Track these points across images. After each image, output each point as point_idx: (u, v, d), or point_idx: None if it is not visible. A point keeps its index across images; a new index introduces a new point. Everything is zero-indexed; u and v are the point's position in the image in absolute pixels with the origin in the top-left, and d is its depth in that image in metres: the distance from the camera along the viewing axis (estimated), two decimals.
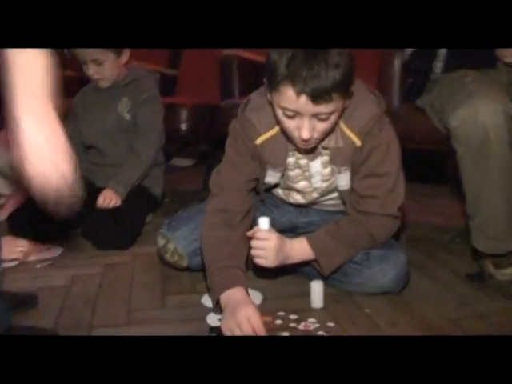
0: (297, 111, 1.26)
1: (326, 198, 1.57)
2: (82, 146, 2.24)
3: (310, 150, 1.43)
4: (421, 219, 2.20)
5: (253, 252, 1.38)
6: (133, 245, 1.95)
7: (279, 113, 1.31)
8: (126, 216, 1.95)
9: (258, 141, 1.44)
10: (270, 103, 1.36)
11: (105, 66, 2.05)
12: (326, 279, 1.47)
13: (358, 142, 1.39)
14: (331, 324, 1.33)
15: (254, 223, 1.45)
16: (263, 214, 1.43)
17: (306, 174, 1.50)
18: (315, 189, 1.53)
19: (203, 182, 2.77)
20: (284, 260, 1.41)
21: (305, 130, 1.28)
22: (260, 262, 1.38)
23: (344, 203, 1.54)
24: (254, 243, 1.37)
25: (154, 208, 2.25)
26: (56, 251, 1.89)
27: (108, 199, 1.98)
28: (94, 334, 1.30)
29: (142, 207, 2.09)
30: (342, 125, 1.39)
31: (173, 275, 1.65)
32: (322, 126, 1.30)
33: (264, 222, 1.37)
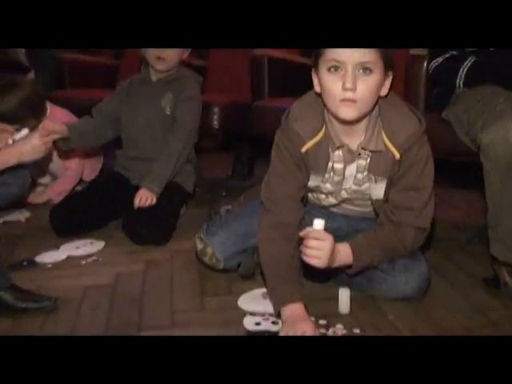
0: (342, 61, 1.35)
1: (356, 203, 1.66)
2: (115, 138, 2.37)
3: (350, 132, 1.50)
4: (439, 215, 2.28)
5: (307, 252, 1.42)
6: (169, 240, 2.09)
7: (324, 73, 1.40)
8: (161, 213, 2.08)
9: (304, 149, 1.53)
10: (316, 90, 1.48)
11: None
12: (351, 285, 1.59)
13: (397, 156, 1.49)
14: (357, 330, 1.45)
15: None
16: None
17: (340, 178, 1.58)
18: (344, 189, 1.62)
19: (231, 171, 2.88)
20: (330, 263, 1.46)
21: (348, 78, 1.35)
22: (313, 261, 1.42)
23: (375, 211, 1.65)
24: (310, 243, 1.41)
25: (187, 202, 2.37)
26: (98, 245, 2.03)
27: (144, 199, 2.10)
28: (144, 335, 1.44)
29: (175, 204, 2.22)
30: (384, 137, 1.49)
31: (210, 275, 1.79)
32: (364, 82, 1.37)
33: (319, 224, 1.41)
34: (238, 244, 1.70)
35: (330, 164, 1.56)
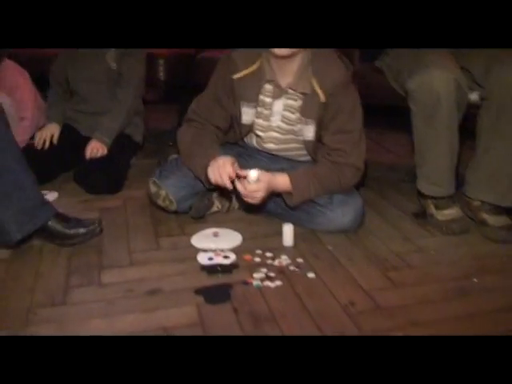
0: None
1: (291, 145, 1.81)
2: (64, 91, 2.40)
3: (282, 69, 1.69)
4: (373, 157, 2.45)
5: (245, 199, 1.69)
6: (121, 189, 2.18)
7: None
8: (113, 164, 2.17)
9: (236, 75, 1.73)
10: None
11: None
12: (294, 220, 1.75)
13: (323, 99, 1.66)
14: (300, 260, 1.61)
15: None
16: (241, 165, 1.71)
17: (268, 112, 1.76)
18: (274, 128, 1.78)
19: (177, 122, 2.94)
20: (270, 192, 1.71)
21: None
22: (251, 201, 1.70)
23: (308, 153, 1.80)
24: (246, 196, 1.68)
25: (136, 152, 2.45)
26: (52, 196, 2.10)
27: (95, 150, 2.18)
28: (104, 274, 1.55)
29: (126, 154, 2.31)
30: (313, 81, 1.66)
31: (162, 218, 1.90)
32: None
33: (253, 175, 1.65)
34: (189, 187, 1.82)
35: (260, 97, 1.74)
